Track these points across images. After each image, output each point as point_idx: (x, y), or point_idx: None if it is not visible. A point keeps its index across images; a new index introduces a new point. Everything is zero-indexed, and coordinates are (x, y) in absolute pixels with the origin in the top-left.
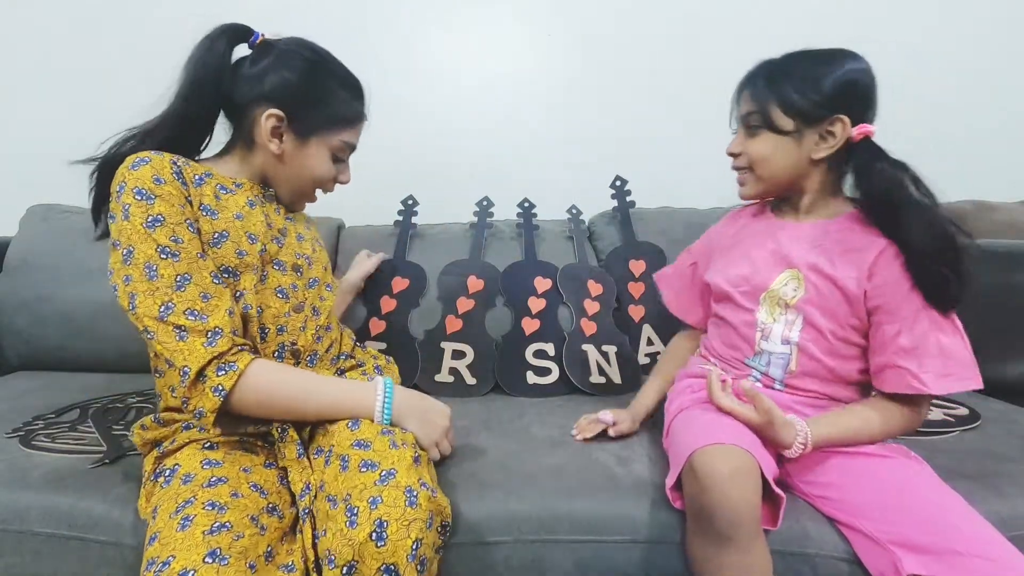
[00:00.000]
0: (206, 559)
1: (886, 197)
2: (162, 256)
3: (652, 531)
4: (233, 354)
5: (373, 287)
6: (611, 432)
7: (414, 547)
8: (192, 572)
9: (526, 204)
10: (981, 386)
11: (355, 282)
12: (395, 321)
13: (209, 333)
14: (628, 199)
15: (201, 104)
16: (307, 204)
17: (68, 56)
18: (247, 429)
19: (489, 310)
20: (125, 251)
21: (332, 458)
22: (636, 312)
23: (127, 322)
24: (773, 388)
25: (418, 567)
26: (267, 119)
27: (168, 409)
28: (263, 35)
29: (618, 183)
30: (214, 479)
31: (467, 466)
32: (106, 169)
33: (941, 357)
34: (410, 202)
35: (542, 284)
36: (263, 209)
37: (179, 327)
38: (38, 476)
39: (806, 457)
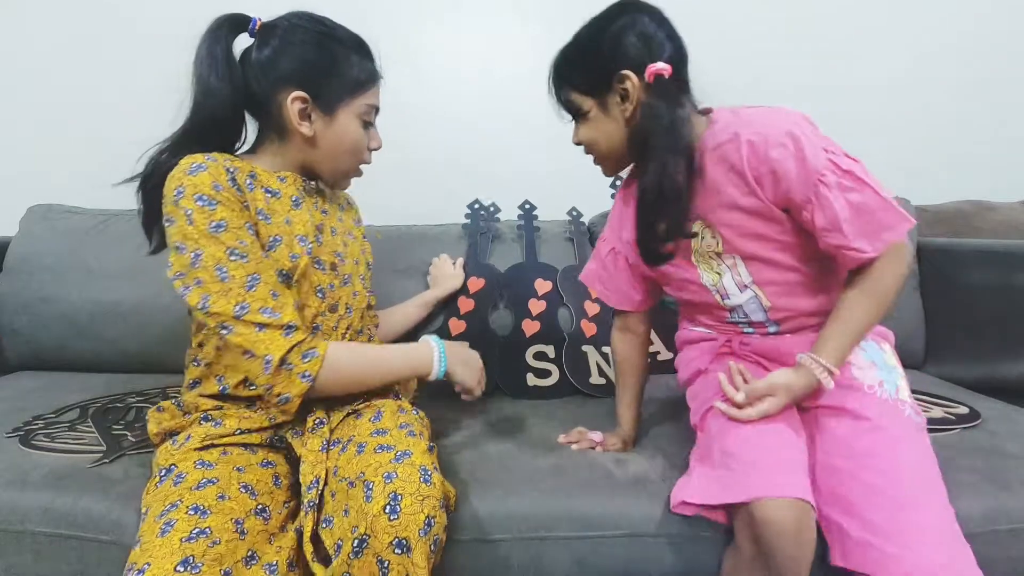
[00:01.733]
0: (178, 567)
1: (643, 132)
2: (231, 258)
3: (649, 526)
4: (309, 342)
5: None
6: (598, 449)
7: (427, 523)
8: None
9: (527, 206)
10: (912, 223)
11: (435, 299)
12: (474, 321)
13: (284, 327)
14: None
15: (219, 103)
16: (351, 183)
17: (68, 56)
18: (276, 420)
19: (492, 312)
20: (193, 255)
21: (349, 446)
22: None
23: (127, 323)
24: (769, 334)
25: (431, 546)
26: (293, 103)
27: (205, 395)
28: (260, 19)
29: (618, 183)
30: (204, 481)
31: (468, 465)
32: (150, 185)
33: (860, 216)
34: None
35: (543, 286)
36: (307, 205)
37: (257, 324)
38: (38, 476)
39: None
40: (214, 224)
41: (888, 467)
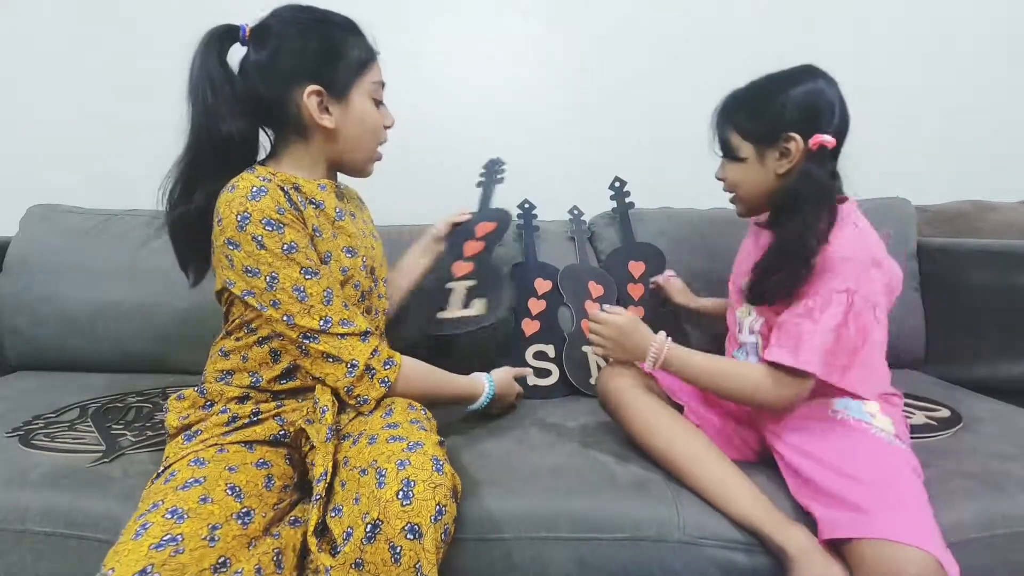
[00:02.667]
0: None
1: (795, 193)
2: (306, 277)
3: (651, 529)
4: (386, 350)
5: (454, 235)
6: (661, 279)
7: (438, 511)
8: None
9: (526, 205)
10: (812, 371)
11: (418, 266)
12: (482, 260)
13: (360, 335)
14: (627, 200)
15: (227, 120)
16: (374, 167)
17: (68, 56)
18: (285, 412)
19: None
20: (268, 277)
21: (361, 439)
22: (635, 314)
23: (127, 323)
24: None
25: (441, 535)
26: (309, 97)
27: (233, 385)
28: (248, 25)
29: (617, 184)
30: (191, 480)
31: (468, 465)
32: (181, 224)
33: (795, 336)
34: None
35: (542, 285)
36: (346, 213)
37: (339, 334)
38: (37, 475)
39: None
40: (285, 247)
41: (844, 456)
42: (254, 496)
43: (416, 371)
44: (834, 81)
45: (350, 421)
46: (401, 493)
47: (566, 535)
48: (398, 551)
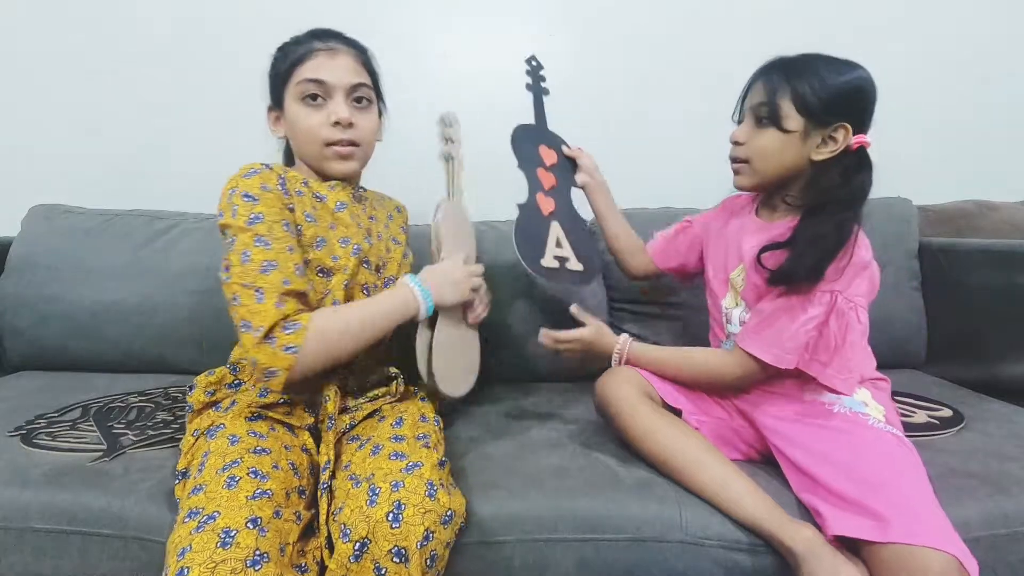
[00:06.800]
0: (248, 524)
1: (832, 189)
2: (256, 244)
3: (654, 530)
4: (295, 316)
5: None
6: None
7: (425, 536)
8: (235, 532)
9: (534, 63)
10: (783, 366)
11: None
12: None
13: (277, 301)
14: (543, 84)
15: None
16: (341, 166)
17: (69, 56)
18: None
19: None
20: (229, 241)
21: (367, 444)
22: (546, 204)
23: (127, 323)
24: None
25: (427, 560)
26: (267, 115)
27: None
28: None
29: (534, 63)
30: (259, 448)
31: (470, 467)
32: None
33: (773, 329)
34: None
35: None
36: (351, 210)
37: (257, 298)
38: (38, 474)
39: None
40: (252, 216)
41: (852, 455)
42: (305, 478)
43: (331, 323)
44: None
45: (361, 423)
46: (391, 515)
47: (568, 536)
48: (383, 572)
